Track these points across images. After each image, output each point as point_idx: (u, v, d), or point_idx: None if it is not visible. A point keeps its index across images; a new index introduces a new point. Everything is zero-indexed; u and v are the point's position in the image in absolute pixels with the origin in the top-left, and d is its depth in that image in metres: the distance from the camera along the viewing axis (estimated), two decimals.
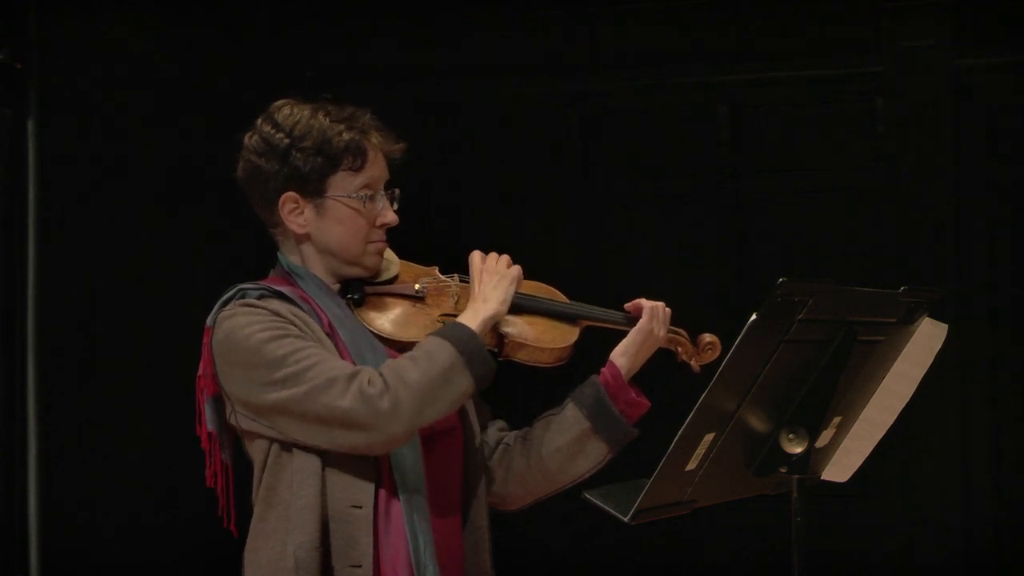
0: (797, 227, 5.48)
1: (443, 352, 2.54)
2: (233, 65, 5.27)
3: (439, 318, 2.68)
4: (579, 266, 5.55)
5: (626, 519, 2.53)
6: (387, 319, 2.68)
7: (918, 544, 5.26)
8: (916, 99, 5.32)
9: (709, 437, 2.53)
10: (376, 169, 2.69)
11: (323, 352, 2.55)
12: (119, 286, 4.79)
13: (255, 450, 2.62)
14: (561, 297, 2.80)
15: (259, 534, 2.59)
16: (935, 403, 5.11)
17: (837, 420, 2.76)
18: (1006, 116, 5.31)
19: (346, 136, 2.65)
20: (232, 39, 5.34)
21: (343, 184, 2.66)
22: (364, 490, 2.55)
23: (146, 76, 4.95)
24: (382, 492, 2.57)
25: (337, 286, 2.70)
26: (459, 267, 2.76)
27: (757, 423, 2.61)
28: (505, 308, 2.67)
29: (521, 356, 2.71)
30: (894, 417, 2.88)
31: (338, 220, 2.66)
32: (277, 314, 2.58)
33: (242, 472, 2.68)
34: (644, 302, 2.76)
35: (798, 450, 2.63)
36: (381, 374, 2.51)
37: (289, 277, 2.69)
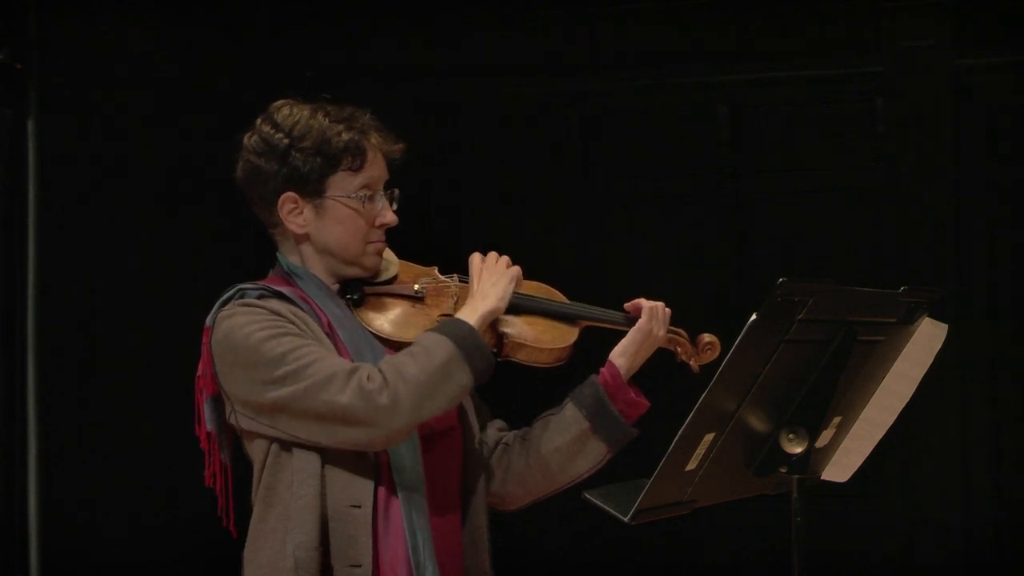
0: (797, 227, 5.48)
1: (442, 347, 2.54)
2: (233, 65, 5.27)
3: (438, 318, 2.68)
4: (579, 266, 5.55)
5: (626, 519, 2.52)
6: (386, 319, 2.68)
7: (918, 544, 5.26)
8: (916, 99, 5.32)
9: (709, 437, 2.53)
10: (375, 169, 2.69)
11: (322, 350, 2.55)
12: (119, 286, 4.80)
13: (254, 450, 2.62)
14: (560, 297, 2.79)
15: (259, 534, 2.59)
16: (935, 403, 5.12)
17: (837, 420, 2.76)
18: (1006, 116, 5.31)
19: (345, 136, 2.65)
20: (232, 39, 5.34)
21: (342, 184, 2.66)
22: (363, 490, 2.55)
23: (146, 76, 4.95)
24: (381, 492, 2.57)
25: (336, 286, 2.70)
26: (459, 267, 2.76)
27: (757, 423, 2.61)
28: (504, 305, 2.67)
29: (520, 356, 2.71)
30: (894, 417, 2.88)
31: (337, 220, 2.66)
32: (277, 313, 2.58)
33: (241, 472, 2.68)
34: (643, 302, 2.75)
35: (798, 450, 2.62)
36: (380, 370, 2.51)
37: (288, 277, 2.69)
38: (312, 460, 2.55)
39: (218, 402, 2.63)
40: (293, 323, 2.57)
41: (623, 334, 2.74)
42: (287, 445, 2.57)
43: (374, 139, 2.69)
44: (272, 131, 2.66)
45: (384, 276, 2.73)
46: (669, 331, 2.77)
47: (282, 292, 2.63)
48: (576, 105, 5.67)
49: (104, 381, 4.72)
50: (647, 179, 5.64)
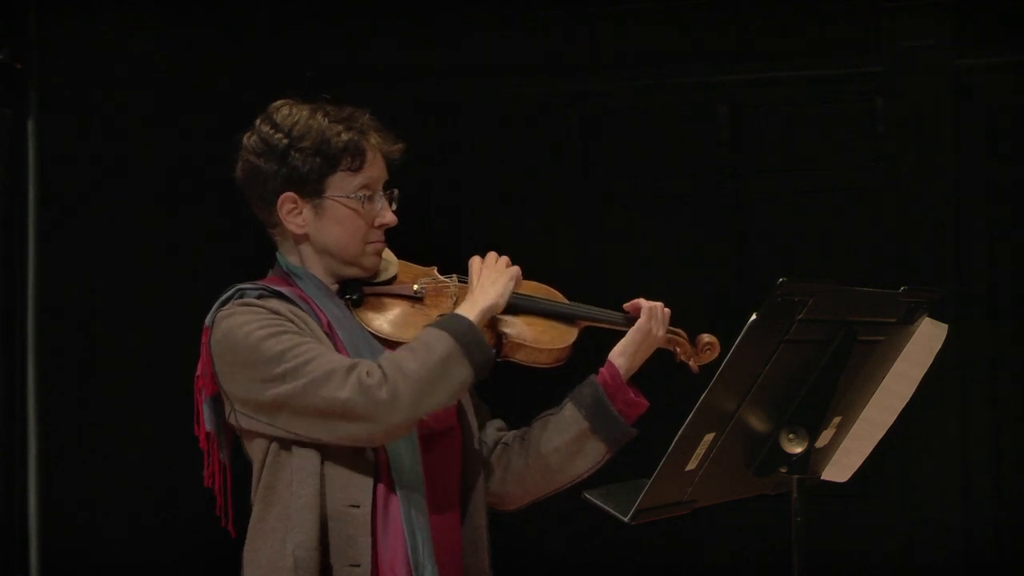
0: (797, 227, 5.48)
1: (441, 342, 2.54)
2: (233, 65, 5.27)
3: (437, 318, 2.68)
4: (579, 266, 5.55)
5: (626, 519, 2.52)
6: (385, 320, 2.68)
7: (918, 544, 5.26)
8: (916, 99, 5.31)
9: (709, 437, 2.53)
10: (375, 169, 2.69)
11: (321, 347, 2.55)
12: (119, 286, 4.79)
13: (254, 449, 2.62)
14: (560, 298, 2.79)
15: (258, 533, 2.59)
16: (935, 403, 5.11)
17: (837, 420, 2.76)
18: (1006, 116, 5.31)
19: (345, 136, 2.65)
20: (232, 39, 5.34)
21: (341, 184, 2.66)
22: (362, 489, 2.55)
23: (146, 76, 4.95)
24: (380, 491, 2.57)
25: (336, 286, 2.70)
26: (458, 267, 2.76)
27: (757, 423, 2.61)
28: (503, 301, 2.66)
29: (520, 357, 2.71)
30: (894, 417, 2.88)
31: (337, 220, 2.66)
32: (276, 313, 2.58)
33: (240, 472, 2.68)
34: (642, 302, 2.75)
35: (798, 450, 2.62)
36: (379, 365, 2.51)
37: (288, 277, 2.69)
38: (312, 459, 2.55)
39: (217, 402, 2.63)
40: (292, 322, 2.58)
41: (622, 334, 2.74)
42: (287, 444, 2.57)
43: (373, 139, 2.69)
44: (271, 131, 2.66)
45: (383, 276, 2.73)
46: (669, 331, 2.77)
47: (281, 292, 2.63)
48: (576, 105, 5.67)
49: (104, 381, 4.72)
50: (647, 179, 5.63)
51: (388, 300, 2.71)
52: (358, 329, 2.64)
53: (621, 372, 2.71)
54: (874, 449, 2.89)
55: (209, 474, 2.68)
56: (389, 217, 2.70)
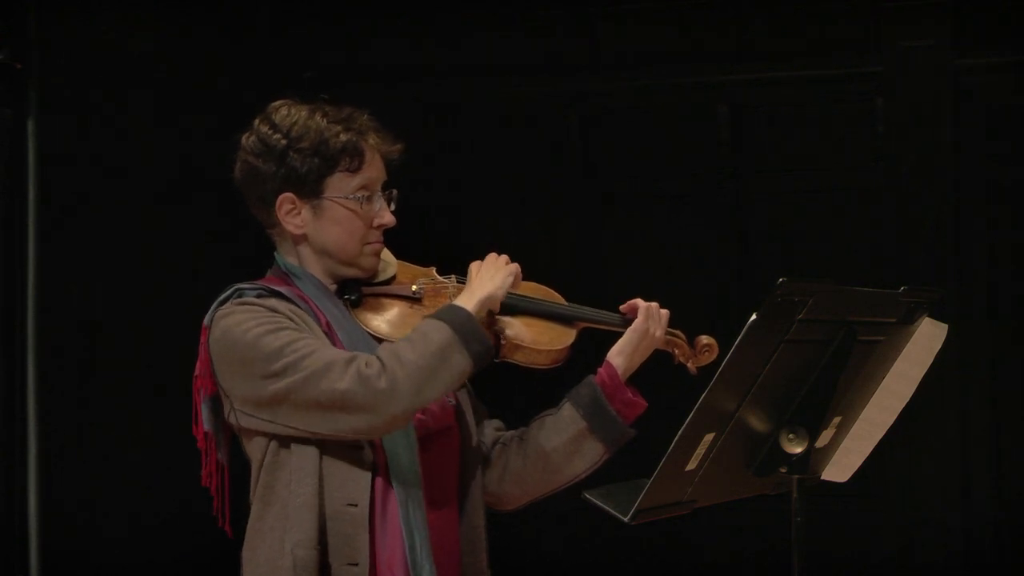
0: (797, 227, 5.48)
1: (439, 332, 2.53)
2: (233, 65, 5.27)
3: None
4: (579, 266, 5.55)
5: (626, 519, 2.52)
6: (384, 320, 2.68)
7: (918, 544, 5.26)
8: (916, 99, 5.32)
9: (709, 437, 2.53)
10: (373, 170, 2.69)
11: (319, 341, 2.55)
12: (119, 286, 4.79)
13: (253, 448, 2.62)
14: (558, 299, 2.79)
15: (257, 533, 2.59)
16: (935, 403, 5.11)
17: (837, 420, 2.76)
18: (1006, 116, 5.31)
19: (343, 137, 2.65)
20: (232, 39, 5.34)
21: (340, 185, 2.66)
22: (360, 488, 2.55)
23: (146, 76, 4.95)
24: (378, 491, 2.56)
25: (334, 287, 2.70)
26: (458, 268, 2.76)
27: (757, 423, 2.61)
28: (500, 294, 2.65)
29: (518, 357, 2.70)
30: (894, 417, 2.87)
31: (335, 221, 2.66)
32: (274, 311, 2.58)
33: (239, 472, 2.68)
34: (639, 302, 2.75)
35: (798, 450, 2.62)
36: (378, 356, 2.51)
37: (286, 277, 2.69)
38: (311, 458, 2.55)
39: (216, 401, 2.63)
40: (291, 320, 2.57)
41: (621, 336, 2.74)
42: (286, 442, 2.57)
43: (372, 140, 2.68)
44: (270, 132, 2.66)
45: (382, 277, 2.73)
46: (667, 333, 2.77)
47: (280, 292, 2.63)
48: (576, 105, 5.67)
49: (104, 381, 4.72)
50: (647, 179, 5.63)
51: (387, 300, 2.71)
52: (357, 329, 2.64)
53: (619, 372, 2.71)
54: (874, 449, 2.89)
55: (207, 474, 2.68)
56: (388, 218, 2.70)
